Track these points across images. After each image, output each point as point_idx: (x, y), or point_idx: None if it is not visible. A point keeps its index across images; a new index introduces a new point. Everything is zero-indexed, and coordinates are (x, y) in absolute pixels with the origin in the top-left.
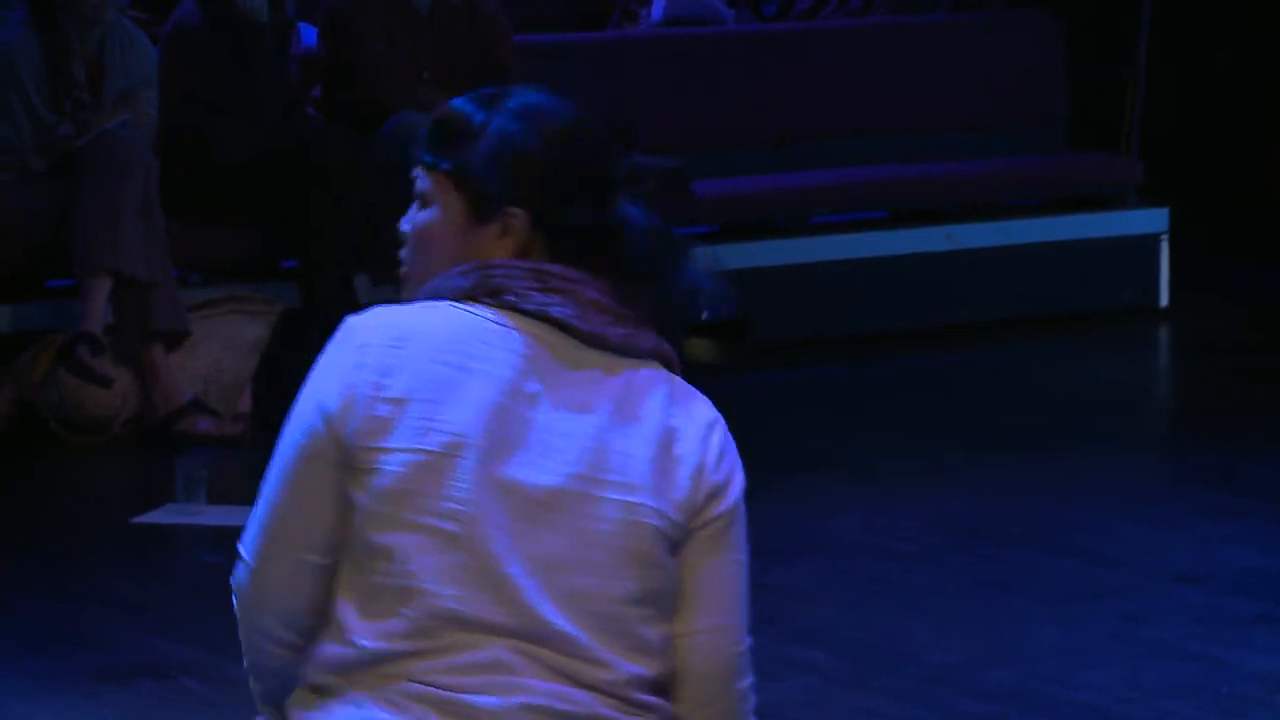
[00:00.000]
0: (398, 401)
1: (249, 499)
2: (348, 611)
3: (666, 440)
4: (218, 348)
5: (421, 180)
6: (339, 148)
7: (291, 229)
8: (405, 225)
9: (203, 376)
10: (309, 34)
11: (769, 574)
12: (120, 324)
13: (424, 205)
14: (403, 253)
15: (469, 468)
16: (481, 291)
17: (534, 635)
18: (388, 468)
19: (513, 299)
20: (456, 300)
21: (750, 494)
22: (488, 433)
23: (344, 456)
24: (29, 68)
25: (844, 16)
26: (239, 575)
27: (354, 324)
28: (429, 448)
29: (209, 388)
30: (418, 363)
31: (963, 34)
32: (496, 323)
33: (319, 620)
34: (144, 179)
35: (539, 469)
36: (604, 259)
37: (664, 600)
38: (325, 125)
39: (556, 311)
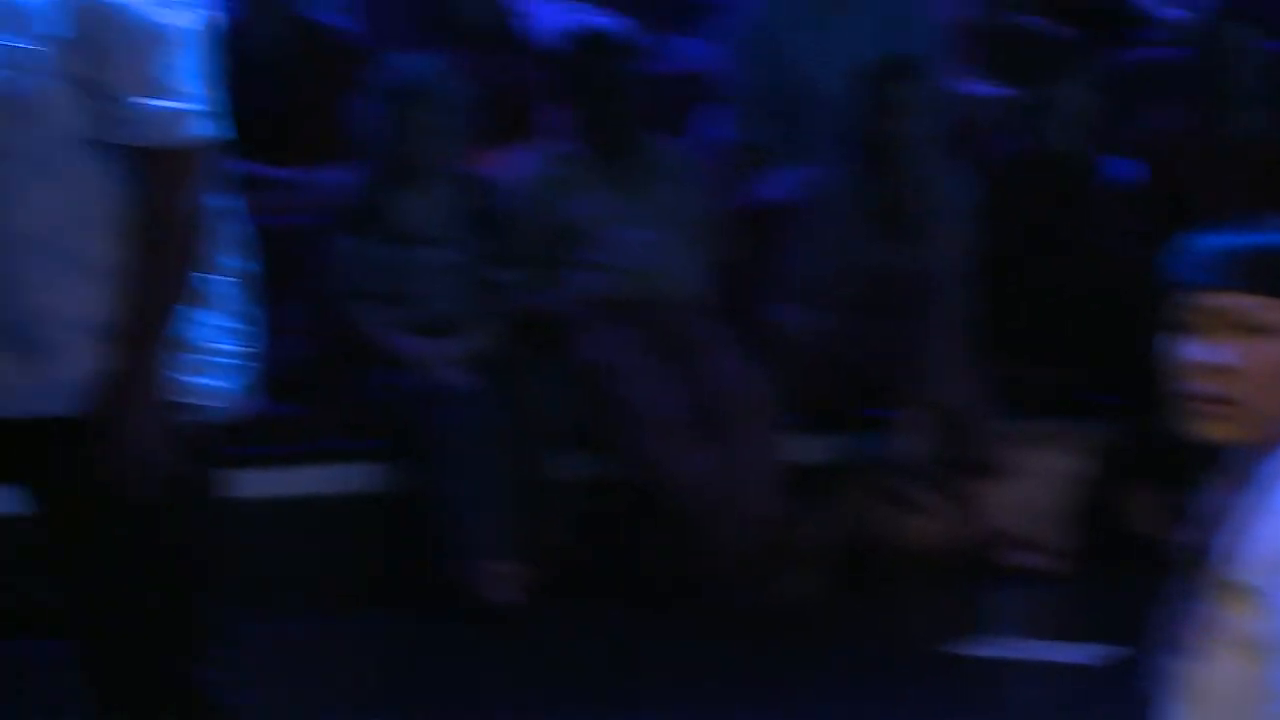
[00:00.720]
0: None
1: (1065, 634)
2: None
3: None
4: (1035, 481)
5: (1253, 308)
6: (1151, 282)
7: (1112, 364)
8: (1228, 357)
9: (1019, 509)
10: (1119, 166)
11: None
12: (937, 455)
13: (1255, 335)
14: (1211, 386)
15: None
16: None
17: None
18: None
19: None
20: None
21: None
22: None
23: None
24: (848, 202)
25: None
26: None
27: None
28: None
29: (1025, 520)
30: None
31: None
32: None
33: None
34: (960, 311)
35: None
36: None
37: None
38: (1143, 258)
39: None
